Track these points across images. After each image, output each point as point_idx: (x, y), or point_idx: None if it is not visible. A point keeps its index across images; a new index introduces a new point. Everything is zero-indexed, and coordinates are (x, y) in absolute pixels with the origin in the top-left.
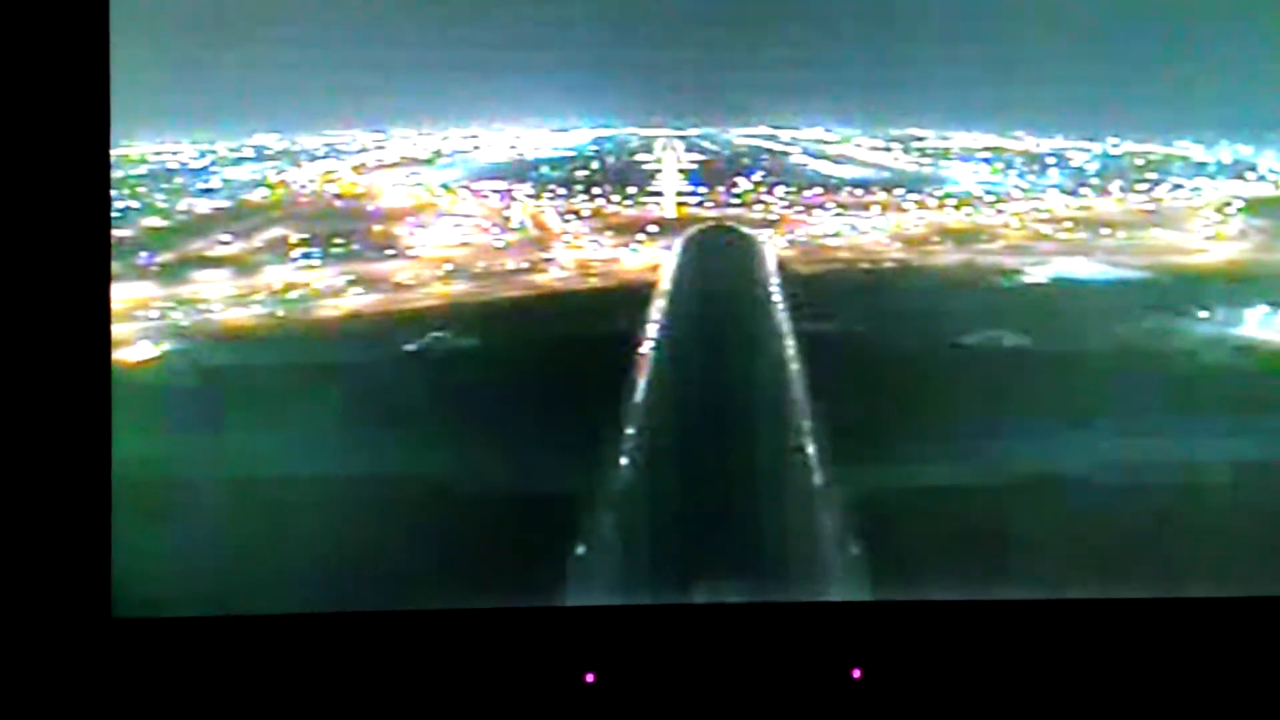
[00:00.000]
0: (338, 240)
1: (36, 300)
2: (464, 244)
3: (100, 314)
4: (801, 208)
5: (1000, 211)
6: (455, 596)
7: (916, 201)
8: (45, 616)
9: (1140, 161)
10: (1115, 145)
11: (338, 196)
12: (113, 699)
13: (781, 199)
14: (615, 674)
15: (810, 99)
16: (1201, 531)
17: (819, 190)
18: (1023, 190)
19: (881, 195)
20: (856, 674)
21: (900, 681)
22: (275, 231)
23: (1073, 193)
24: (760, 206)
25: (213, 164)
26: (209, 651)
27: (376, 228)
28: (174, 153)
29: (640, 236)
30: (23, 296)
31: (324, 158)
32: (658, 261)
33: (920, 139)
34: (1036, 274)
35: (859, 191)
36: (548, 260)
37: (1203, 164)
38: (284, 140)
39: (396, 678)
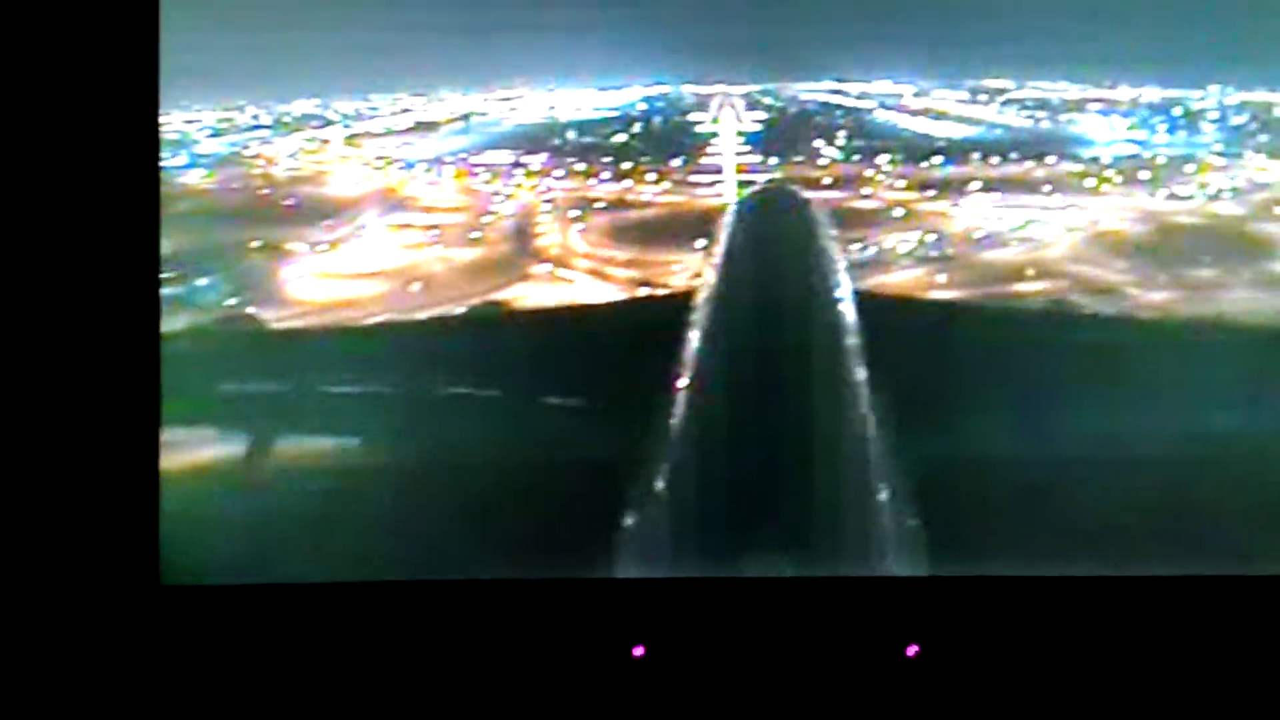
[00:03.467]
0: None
1: (85, 272)
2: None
3: (149, 283)
4: (931, 188)
5: (1236, 194)
6: (503, 568)
7: (1100, 177)
8: (95, 584)
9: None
10: (1208, 95)
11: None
12: (161, 664)
13: (890, 174)
14: (665, 647)
15: (877, 46)
16: None
17: (938, 159)
18: (1215, 153)
19: (1029, 164)
20: (912, 651)
21: (957, 659)
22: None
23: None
24: (868, 189)
25: (210, 135)
26: (256, 618)
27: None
28: (187, 120)
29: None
30: (71, 269)
31: (329, 124)
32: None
33: (1003, 90)
34: None
35: (995, 159)
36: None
37: None
38: (320, 106)
39: (445, 648)
